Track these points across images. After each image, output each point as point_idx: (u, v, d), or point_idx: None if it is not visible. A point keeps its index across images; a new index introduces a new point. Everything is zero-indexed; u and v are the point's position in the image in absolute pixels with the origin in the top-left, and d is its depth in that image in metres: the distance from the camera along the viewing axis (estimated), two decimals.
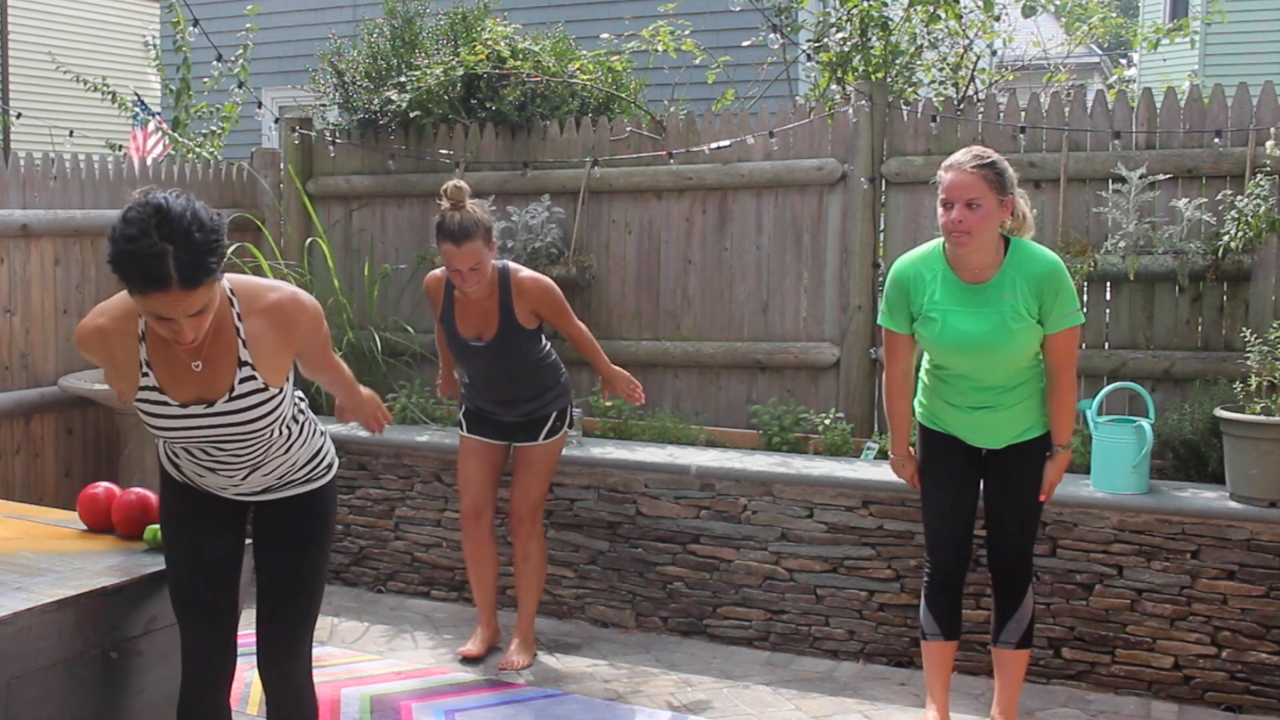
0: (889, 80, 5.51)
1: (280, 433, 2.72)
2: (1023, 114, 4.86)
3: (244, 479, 2.76)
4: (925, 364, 3.67)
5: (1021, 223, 3.55)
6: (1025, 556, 3.66)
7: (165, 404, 2.58)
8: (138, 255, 2.30)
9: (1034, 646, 4.23)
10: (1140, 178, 4.43)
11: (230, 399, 2.58)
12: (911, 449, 3.77)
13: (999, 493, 3.63)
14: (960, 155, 3.44)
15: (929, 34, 5.81)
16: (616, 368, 4.39)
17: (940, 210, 3.42)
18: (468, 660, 4.44)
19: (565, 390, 4.39)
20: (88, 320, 2.61)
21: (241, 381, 2.58)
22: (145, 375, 2.57)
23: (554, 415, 4.33)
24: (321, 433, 2.91)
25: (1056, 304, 3.42)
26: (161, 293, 2.33)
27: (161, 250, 2.29)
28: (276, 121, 6.72)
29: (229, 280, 2.60)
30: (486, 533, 4.45)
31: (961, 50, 5.97)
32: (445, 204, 4.03)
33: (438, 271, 4.28)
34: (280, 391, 2.66)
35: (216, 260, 2.39)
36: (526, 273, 4.23)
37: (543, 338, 4.32)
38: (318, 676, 4.32)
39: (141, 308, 2.41)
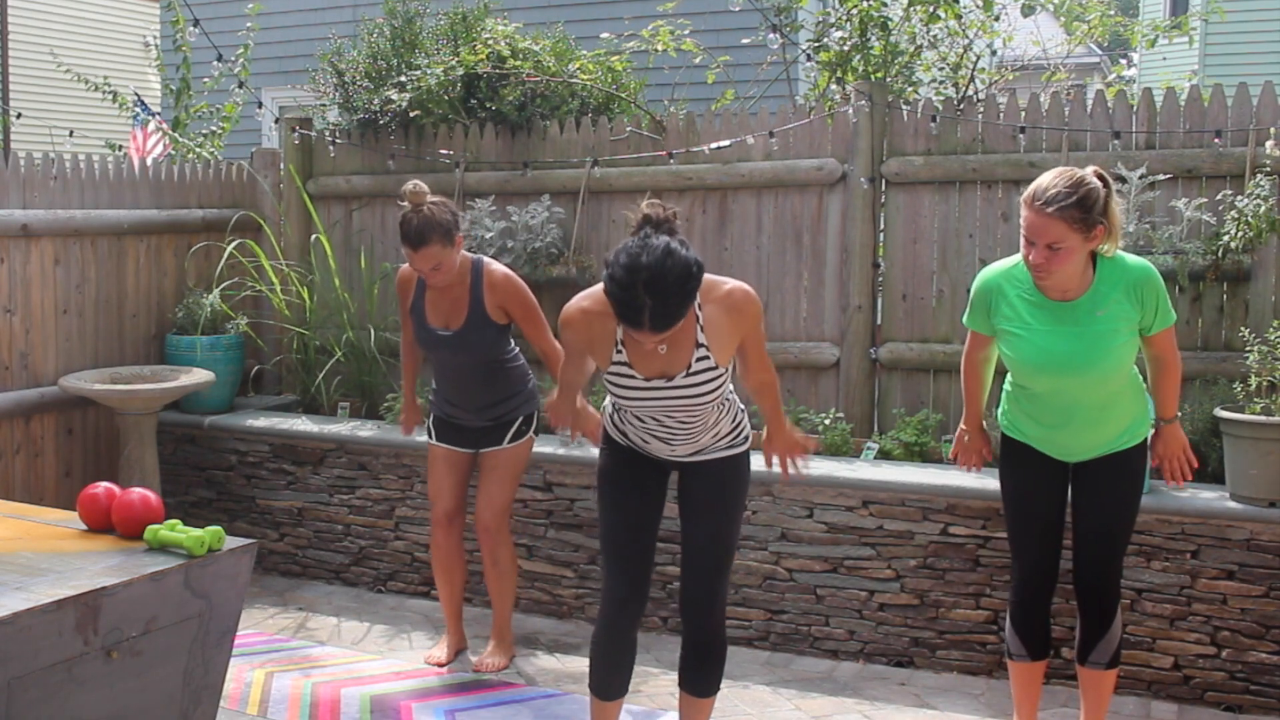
0: (889, 80, 5.51)
1: (718, 406, 3.19)
2: (1023, 114, 4.86)
3: (682, 444, 3.25)
4: (1009, 379, 3.56)
5: (1110, 238, 3.26)
6: (1113, 574, 3.48)
7: (632, 377, 3.11)
8: (623, 303, 2.86)
9: None
10: (1140, 178, 4.43)
11: (687, 375, 3.08)
12: (983, 425, 3.71)
13: (1087, 506, 3.46)
14: (1045, 186, 3.16)
15: (929, 34, 5.82)
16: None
17: (1022, 241, 3.25)
18: (436, 668, 4.43)
19: (532, 396, 4.37)
20: (574, 304, 3.15)
21: (698, 360, 3.07)
22: (619, 352, 3.11)
23: (520, 420, 4.30)
24: (741, 409, 3.34)
25: (1159, 306, 3.31)
26: (635, 330, 2.89)
27: (641, 304, 2.83)
28: (276, 121, 6.72)
29: None
30: (456, 541, 4.46)
31: (961, 50, 5.97)
32: (406, 206, 4.04)
33: (408, 266, 4.27)
34: (725, 370, 3.13)
35: (688, 306, 2.90)
36: (499, 267, 4.22)
37: (510, 340, 4.31)
38: (317, 676, 4.34)
39: (627, 332, 2.96)
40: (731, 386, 3.28)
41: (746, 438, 3.36)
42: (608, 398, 3.37)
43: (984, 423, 3.74)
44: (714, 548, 3.31)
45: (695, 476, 3.33)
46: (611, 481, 3.37)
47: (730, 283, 3.13)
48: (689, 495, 3.35)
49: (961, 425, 3.75)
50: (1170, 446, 3.52)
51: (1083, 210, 3.14)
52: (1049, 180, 3.19)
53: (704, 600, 3.31)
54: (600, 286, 3.09)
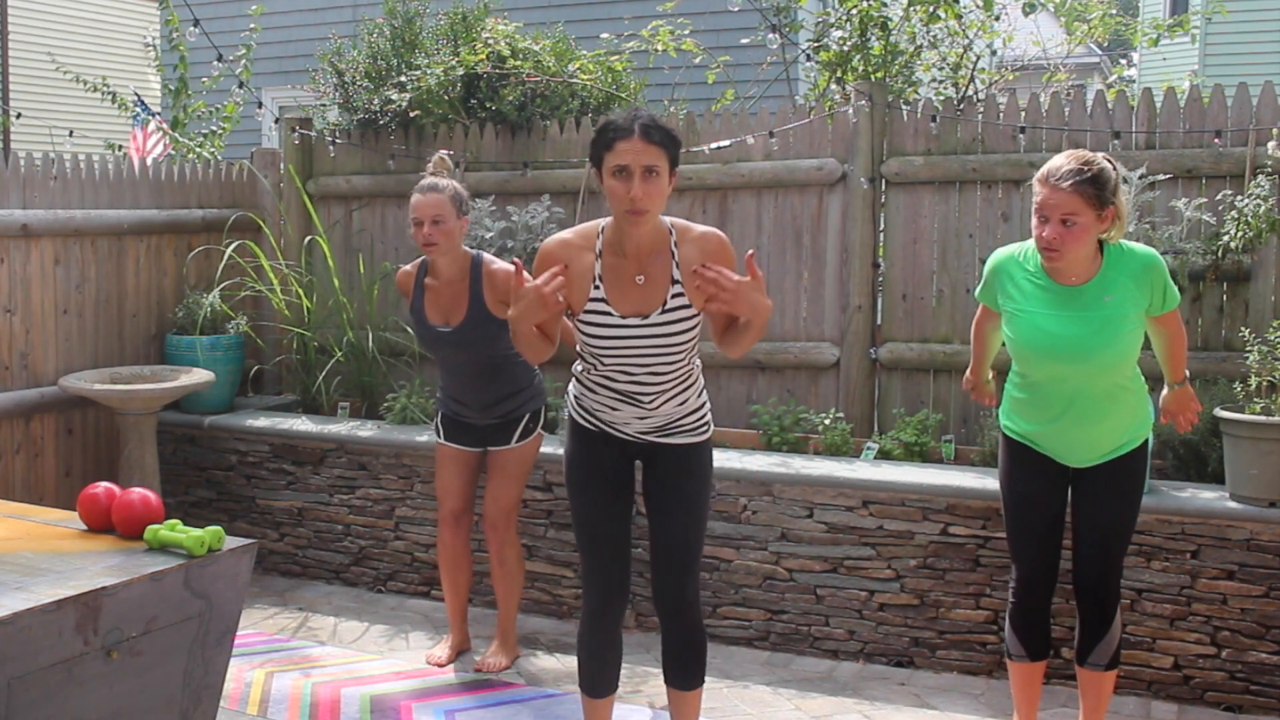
0: (889, 80, 5.52)
1: (687, 362, 3.21)
2: (1023, 114, 4.86)
3: (651, 402, 3.20)
4: (1011, 376, 3.55)
5: (1117, 224, 3.30)
6: (1114, 576, 3.49)
7: (609, 314, 3.11)
8: (615, 119, 3.03)
9: None
10: (1140, 178, 4.43)
11: (663, 312, 3.10)
12: (988, 378, 3.83)
13: (1088, 508, 3.45)
14: (1060, 164, 3.22)
15: (928, 34, 5.82)
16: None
17: (1034, 220, 3.27)
18: (436, 667, 4.43)
19: (539, 391, 4.37)
20: (554, 237, 3.20)
21: (673, 297, 3.10)
22: (596, 288, 3.12)
23: (527, 417, 4.31)
24: (704, 388, 3.35)
25: (1166, 291, 3.33)
26: (625, 140, 2.97)
27: (633, 117, 3.02)
28: (276, 121, 6.72)
29: (669, 219, 3.15)
30: (464, 540, 4.46)
31: (961, 50, 5.98)
32: (428, 169, 4.28)
33: (408, 266, 4.34)
34: (697, 315, 3.14)
35: (669, 141, 3.02)
36: (499, 263, 4.25)
37: None
38: (317, 676, 4.34)
39: (611, 163, 3.00)
40: (699, 363, 3.30)
41: (708, 425, 3.35)
42: (572, 382, 3.36)
43: (989, 375, 3.85)
44: (684, 537, 3.30)
45: (660, 466, 3.32)
46: (581, 471, 3.35)
47: (706, 228, 3.20)
48: (655, 487, 3.34)
49: (967, 375, 3.89)
50: (1181, 401, 3.60)
51: (1096, 187, 3.19)
52: (1063, 159, 3.24)
53: (678, 592, 3.31)
54: (579, 226, 3.25)
